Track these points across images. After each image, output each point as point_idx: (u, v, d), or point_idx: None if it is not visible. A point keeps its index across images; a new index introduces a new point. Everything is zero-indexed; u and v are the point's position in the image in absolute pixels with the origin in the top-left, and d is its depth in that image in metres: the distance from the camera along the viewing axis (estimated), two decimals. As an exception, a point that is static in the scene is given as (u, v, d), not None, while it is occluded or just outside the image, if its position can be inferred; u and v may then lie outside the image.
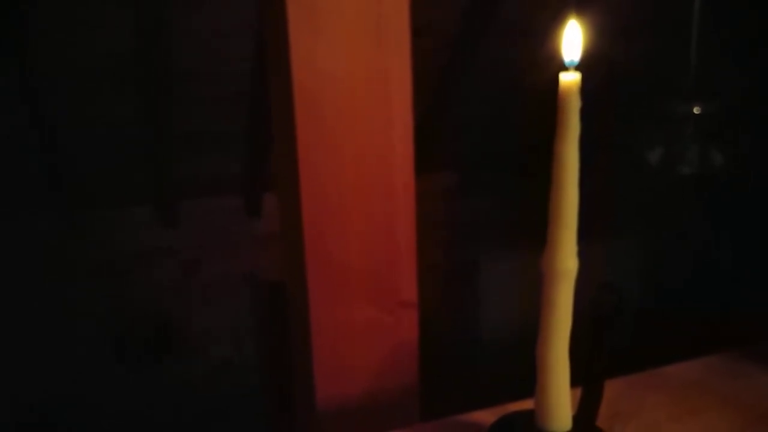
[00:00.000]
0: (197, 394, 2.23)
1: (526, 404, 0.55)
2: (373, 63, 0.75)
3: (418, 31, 1.75)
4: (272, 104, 0.82)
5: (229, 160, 2.06)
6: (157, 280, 2.19)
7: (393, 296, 0.83)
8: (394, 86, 0.77)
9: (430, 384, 0.89)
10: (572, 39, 0.46)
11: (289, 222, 0.81)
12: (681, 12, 1.61)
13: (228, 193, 2.18)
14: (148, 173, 2.03)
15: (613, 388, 0.62)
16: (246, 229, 2.22)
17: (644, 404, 0.63)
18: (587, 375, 0.56)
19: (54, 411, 2.09)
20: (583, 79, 0.46)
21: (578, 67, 0.46)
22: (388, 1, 0.74)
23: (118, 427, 2.14)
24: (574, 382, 0.53)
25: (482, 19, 1.82)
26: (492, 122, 2.11)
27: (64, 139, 1.83)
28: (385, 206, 0.80)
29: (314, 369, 0.81)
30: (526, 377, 0.53)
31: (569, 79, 0.45)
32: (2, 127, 1.73)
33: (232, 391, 2.25)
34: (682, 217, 2.23)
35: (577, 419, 0.53)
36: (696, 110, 1.53)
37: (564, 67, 0.46)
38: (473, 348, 2.33)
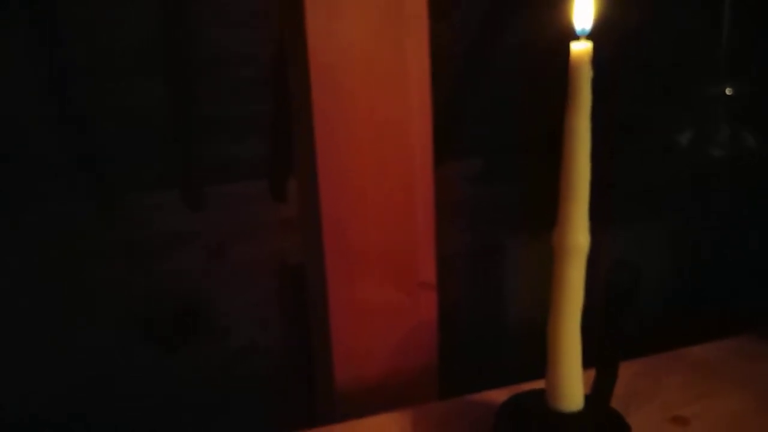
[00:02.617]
0: (221, 375, 2.25)
1: (540, 384, 0.54)
2: (391, 42, 0.75)
3: (441, 13, 1.73)
4: (290, 85, 0.82)
5: (256, 145, 2.07)
6: (182, 264, 2.21)
7: (412, 277, 0.83)
8: (412, 66, 0.77)
9: (451, 367, 0.89)
10: (584, 6, 0.45)
11: (307, 203, 0.81)
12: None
13: (254, 177, 2.18)
14: (175, 158, 2.04)
15: (628, 369, 0.62)
16: (272, 213, 2.23)
17: (660, 385, 0.62)
18: (601, 354, 0.56)
19: (80, 395, 2.13)
20: (598, 51, 0.45)
21: (590, 36, 0.45)
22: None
23: (144, 406, 2.17)
24: (590, 362, 0.52)
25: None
26: (517, 105, 2.09)
27: (91, 125, 1.85)
28: (404, 185, 0.80)
29: (333, 349, 0.81)
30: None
31: (580, 48, 0.44)
32: (31, 114, 1.76)
33: (255, 373, 2.27)
34: (710, 202, 2.19)
35: (589, 399, 0.52)
36: (728, 91, 1.50)
37: (575, 36, 0.45)
38: (497, 328, 2.32)
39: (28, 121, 1.76)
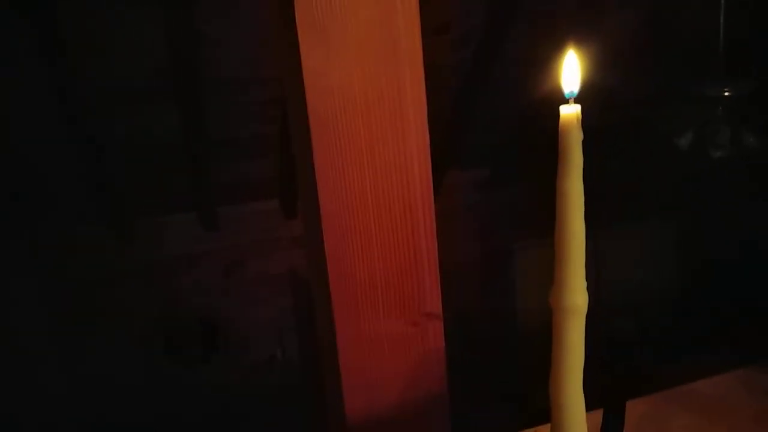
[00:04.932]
0: (240, 392, 2.27)
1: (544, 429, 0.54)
2: (386, 80, 0.75)
3: (445, 26, 1.72)
4: (290, 125, 0.82)
5: (267, 164, 2.07)
6: (200, 282, 2.23)
7: (417, 307, 0.83)
8: (408, 100, 0.77)
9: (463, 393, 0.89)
10: (571, 70, 0.45)
11: (311, 238, 0.82)
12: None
13: (266, 196, 2.19)
14: (189, 180, 2.05)
15: (635, 410, 0.61)
16: (284, 230, 2.24)
17: (670, 426, 0.61)
18: (607, 399, 0.55)
19: (104, 411, 2.14)
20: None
21: (578, 99, 0.44)
22: (400, 19, 0.73)
23: (165, 423, 2.19)
24: (597, 403, 0.52)
25: (508, 10, 1.79)
26: (524, 112, 2.08)
27: (108, 151, 1.86)
28: (405, 218, 0.80)
29: (342, 383, 0.81)
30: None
31: (570, 111, 0.44)
32: (49, 138, 1.77)
33: (274, 390, 2.28)
34: (715, 203, 2.17)
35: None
36: (726, 92, 1.48)
37: (564, 100, 0.44)
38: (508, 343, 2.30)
39: (45, 148, 1.78)
